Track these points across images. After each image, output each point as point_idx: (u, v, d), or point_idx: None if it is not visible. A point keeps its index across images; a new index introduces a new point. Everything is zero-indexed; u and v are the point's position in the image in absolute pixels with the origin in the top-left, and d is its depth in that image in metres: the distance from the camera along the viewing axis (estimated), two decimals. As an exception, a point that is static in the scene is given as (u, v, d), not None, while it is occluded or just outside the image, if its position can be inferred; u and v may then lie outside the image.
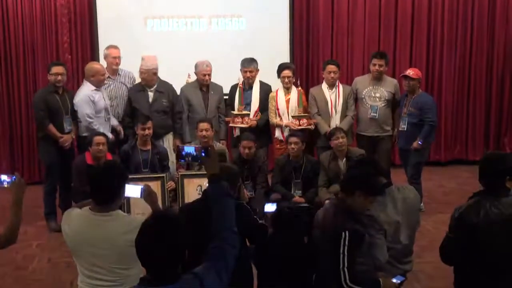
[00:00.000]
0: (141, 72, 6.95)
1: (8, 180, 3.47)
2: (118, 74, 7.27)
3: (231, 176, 3.99)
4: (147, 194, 3.67)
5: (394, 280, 3.80)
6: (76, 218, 3.35)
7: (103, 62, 7.40)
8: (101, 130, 6.60)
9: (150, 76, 6.92)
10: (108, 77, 7.12)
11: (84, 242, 3.25)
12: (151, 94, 6.98)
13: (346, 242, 3.50)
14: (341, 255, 3.50)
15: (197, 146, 3.09)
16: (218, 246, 2.66)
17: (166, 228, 2.45)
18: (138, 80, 7.19)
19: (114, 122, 6.98)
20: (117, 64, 7.21)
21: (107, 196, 3.26)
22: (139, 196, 3.64)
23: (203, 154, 2.97)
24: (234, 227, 2.76)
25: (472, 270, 3.57)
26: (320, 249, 3.77)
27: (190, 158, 3.10)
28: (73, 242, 3.33)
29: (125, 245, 3.09)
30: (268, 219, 4.60)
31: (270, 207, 5.87)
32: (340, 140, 6.36)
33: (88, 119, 6.69)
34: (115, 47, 7.26)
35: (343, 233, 3.50)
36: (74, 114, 6.81)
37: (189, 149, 3.10)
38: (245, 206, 4.05)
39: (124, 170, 3.56)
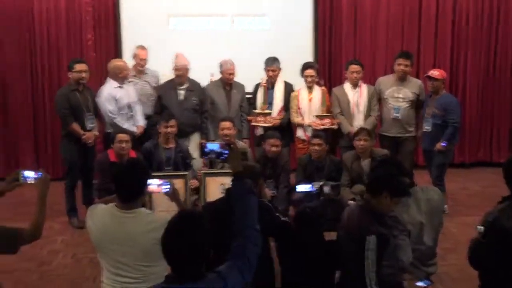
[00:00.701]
0: (176, 69, 7.01)
1: (34, 176, 3.50)
2: (145, 73, 7.35)
3: (253, 175, 3.99)
4: (173, 193, 3.70)
5: (419, 284, 3.78)
6: (101, 214, 3.38)
7: (129, 60, 7.48)
8: (125, 126, 6.67)
9: (185, 73, 7.00)
10: (134, 75, 7.23)
11: (108, 239, 3.28)
12: (181, 92, 7.06)
13: (372, 246, 3.48)
14: (367, 259, 3.48)
15: (220, 143, 3.10)
16: (241, 244, 2.68)
17: (191, 227, 2.47)
18: (162, 79, 7.23)
19: (140, 121, 7.01)
20: (143, 65, 7.32)
21: (130, 193, 3.29)
22: (167, 191, 3.66)
23: (226, 151, 2.97)
24: (256, 225, 2.78)
25: (504, 276, 3.50)
26: (344, 250, 3.75)
27: (213, 155, 3.11)
28: (97, 238, 3.35)
29: (149, 243, 3.11)
30: (290, 218, 4.60)
31: (304, 187, 5.89)
32: (362, 142, 6.31)
33: (110, 115, 6.79)
34: (143, 48, 7.36)
35: (369, 236, 3.48)
36: (97, 111, 6.86)
37: (213, 146, 3.11)
38: (266, 204, 4.05)
39: (147, 168, 3.58)
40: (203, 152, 3.12)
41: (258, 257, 3.60)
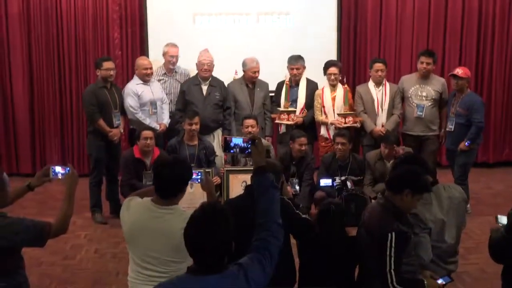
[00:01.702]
0: (202, 64, 7.09)
1: (63, 171, 3.58)
2: (175, 71, 7.44)
3: (275, 173, 4.02)
4: (206, 182, 3.75)
5: (440, 281, 3.78)
6: (136, 208, 3.40)
7: (155, 58, 7.57)
8: (146, 122, 6.75)
9: (210, 68, 7.11)
10: (164, 73, 7.37)
11: (141, 232, 3.29)
12: (205, 88, 7.14)
13: (393, 244, 3.48)
14: (388, 257, 3.48)
15: (244, 137, 3.12)
16: (263, 238, 2.69)
17: (214, 219, 2.50)
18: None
19: (164, 120, 7.10)
20: (174, 63, 7.40)
21: (172, 191, 3.30)
22: (197, 182, 3.73)
23: (249, 145, 3.00)
24: (279, 219, 2.79)
25: None
26: (364, 248, 3.76)
27: (237, 149, 3.13)
28: (130, 230, 3.37)
29: (181, 240, 3.15)
30: (312, 215, 4.61)
31: (325, 181, 5.91)
32: (387, 151, 6.34)
33: (132, 110, 6.90)
34: (174, 46, 7.43)
35: (390, 234, 3.48)
36: (123, 108, 6.96)
37: (237, 140, 3.13)
38: (286, 201, 4.04)
39: (190, 166, 3.56)
40: (227, 146, 3.15)
41: (280, 252, 3.64)
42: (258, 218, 2.78)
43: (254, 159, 2.97)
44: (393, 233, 3.49)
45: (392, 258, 3.49)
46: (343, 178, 6.34)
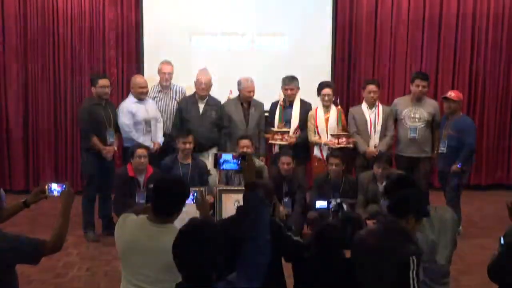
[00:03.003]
0: (200, 83, 7.14)
1: (59, 189, 3.59)
2: (170, 89, 7.46)
3: (267, 193, 4.01)
4: (201, 201, 3.77)
5: None
6: (131, 225, 3.40)
7: (151, 77, 7.61)
8: (140, 140, 6.77)
9: (207, 87, 7.17)
10: (160, 91, 7.39)
11: (135, 250, 3.30)
12: (201, 106, 7.20)
13: (415, 267, 3.47)
14: (412, 280, 3.45)
15: (234, 154, 3.15)
16: (251, 253, 2.72)
17: (202, 234, 2.53)
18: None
19: (158, 138, 7.12)
20: (167, 80, 7.41)
21: (169, 210, 3.31)
22: (192, 202, 3.74)
23: (240, 162, 3.02)
24: (267, 235, 2.81)
25: None
26: (373, 275, 3.69)
27: (227, 166, 3.16)
28: (124, 247, 3.38)
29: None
30: (307, 237, 4.56)
31: (321, 203, 5.89)
32: (380, 171, 6.37)
33: (126, 129, 6.93)
34: (168, 63, 7.47)
35: (411, 258, 3.45)
36: (117, 126, 6.98)
37: (227, 156, 3.16)
38: (277, 223, 4.04)
39: (189, 186, 3.56)
40: (217, 163, 3.17)
41: (270, 273, 3.64)
42: (246, 234, 2.80)
43: (244, 175, 3.00)
44: (414, 257, 3.47)
45: (415, 280, 3.47)
46: (338, 200, 6.34)
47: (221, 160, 3.16)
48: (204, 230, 2.56)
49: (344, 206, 6.35)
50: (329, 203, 6.29)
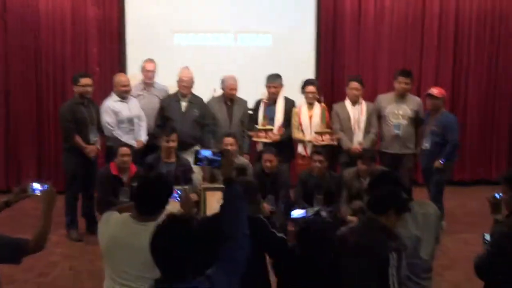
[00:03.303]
0: (182, 80, 7.16)
1: (41, 188, 3.55)
2: (154, 87, 7.43)
3: (251, 190, 4.01)
4: (185, 200, 3.75)
5: None
6: (115, 222, 3.38)
7: (139, 74, 7.60)
8: (123, 139, 6.74)
9: (189, 85, 7.18)
10: (143, 89, 7.40)
11: (118, 248, 3.28)
12: (184, 104, 7.19)
13: (394, 263, 3.48)
14: (391, 277, 3.46)
15: (213, 150, 3.15)
16: (230, 248, 2.74)
17: (178, 229, 2.54)
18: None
19: (142, 136, 7.08)
20: (150, 78, 7.41)
21: (152, 208, 3.30)
22: (176, 200, 3.72)
23: (218, 157, 3.03)
24: (246, 230, 2.84)
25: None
26: (355, 273, 3.65)
27: (206, 162, 3.16)
28: (107, 245, 3.36)
29: None
30: (292, 234, 4.54)
31: (298, 212, 5.87)
32: (364, 167, 6.37)
33: (109, 127, 6.92)
34: (151, 61, 7.48)
35: (390, 255, 3.46)
36: (100, 125, 6.94)
37: (206, 152, 3.17)
38: (261, 219, 4.04)
39: (172, 184, 3.57)
40: (196, 159, 3.18)
41: (254, 271, 3.63)
42: (225, 228, 2.82)
43: (223, 171, 3.01)
44: (394, 253, 3.48)
45: (395, 277, 3.48)
46: (316, 209, 6.31)
47: (200, 157, 3.16)
48: (180, 225, 2.56)
49: (323, 214, 6.34)
50: (306, 211, 6.23)
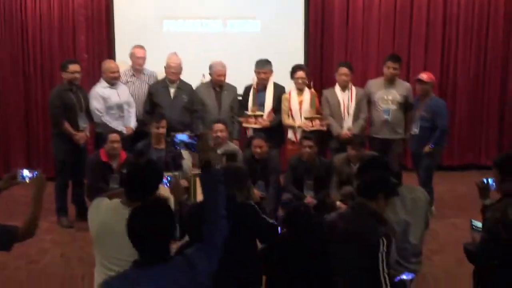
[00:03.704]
0: (170, 67, 7.14)
1: (30, 175, 3.53)
2: (143, 73, 7.42)
3: (240, 176, 4.01)
4: (175, 186, 3.76)
5: (403, 277, 3.82)
6: (105, 208, 3.39)
7: (128, 60, 7.56)
8: (112, 125, 6.73)
9: (178, 71, 7.16)
10: (132, 75, 7.38)
11: (109, 234, 3.29)
12: (172, 91, 7.18)
13: (384, 248, 3.50)
14: (381, 262, 3.48)
15: (190, 134, 3.15)
16: (209, 231, 2.78)
17: (153, 210, 2.60)
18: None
19: (131, 123, 7.06)
20: (140, 64, 7.39)
21: (142, 193, 3.27)
22: (166, 186, 3.73)
23: (195, 141, 3.04)
24: (224, 213, 2.87)
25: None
26: (345, 259, 3.67)
27: (183, 145, 3.17)
28: (98, 231, 3.37)
29: None
30: (281, 219, 4.55)
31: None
32: (354, 152, 6.38)
33: (98, 113, 6.91)
34: (140, 47, 7.45)
35: (381, 240, 3.49)
36: (89, 111, 6.92)
37: (182, 136, 3.17)
38: (251, 206, 4.04)
39: (162, 170, 3.59)
40: (173, 143, 3.18)
41: (246, 255, 3.65)
42: (204, 211, 2.86)
43: (200, 154, 3.02)
44: (383, 239, 3.50)
45: (385, 262, 3.50)
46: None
47: (177, 141, 3.16)
48: (155, 207, 2.61)
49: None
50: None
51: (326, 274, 3.82)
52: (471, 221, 3.92)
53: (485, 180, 3.90)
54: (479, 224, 3.81)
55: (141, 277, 2.53)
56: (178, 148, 3.20)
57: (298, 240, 3.94)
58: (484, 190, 3.92)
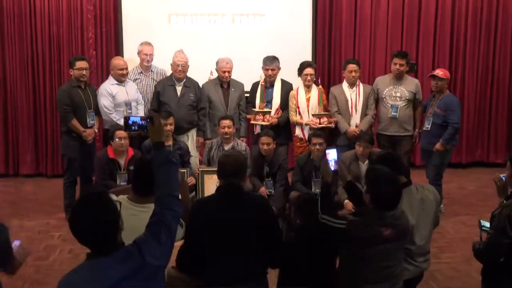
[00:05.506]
0: (176, 65, 7.10)
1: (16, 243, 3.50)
2: (151, 70, 7.41)
3: (239, 165, 3.89)
4: (181, 183, 3.75)
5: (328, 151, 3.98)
6: None
7: (136, 57, 7.55)
8: (120, 122, 6.73)
9: (185, 69, 7.12)
10: (141, 72, 7.35)
11: None
12: (179, 89, 7.15)
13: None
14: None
15: (142, 116, 3.18)
16: (158, 211, 2.80)
17: (94, 203, 2.62)
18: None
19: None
20: (148, 61, 7.37)
21: (150, 189, 3.26)
22: None
23: (147, 122, 3.07)
24: (176, 193, 2.88)
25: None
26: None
27: (136, 127, 3.20)
28: None
29: None
30: (293, 211, 4.39)
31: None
32: (362, 149, 6.35)
33: (106, 110, 6.89)
34: (148, 44, 7.42)
35: None
36: (98, 108, 6.92)
37: (135, 118, 3.20)
38: (273, 212, 3.97)
39: None
40: (126, 125, 3.21)
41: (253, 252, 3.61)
42: (156, 191, 2.88)
43: (150, 135, 3.05)
44: None
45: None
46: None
47: (130, 122, 3.19)
48: (95, 199, 2.64)
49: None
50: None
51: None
52: (479, 222, 3.89)
53: (503, 177, 3.82)
54: (487, 224, 3.78)
55: (92, 269, 2.58)
56: (131, 129, 3.21)
57: (308, 224, 3.88)
58: (502, 187, 3.83)
